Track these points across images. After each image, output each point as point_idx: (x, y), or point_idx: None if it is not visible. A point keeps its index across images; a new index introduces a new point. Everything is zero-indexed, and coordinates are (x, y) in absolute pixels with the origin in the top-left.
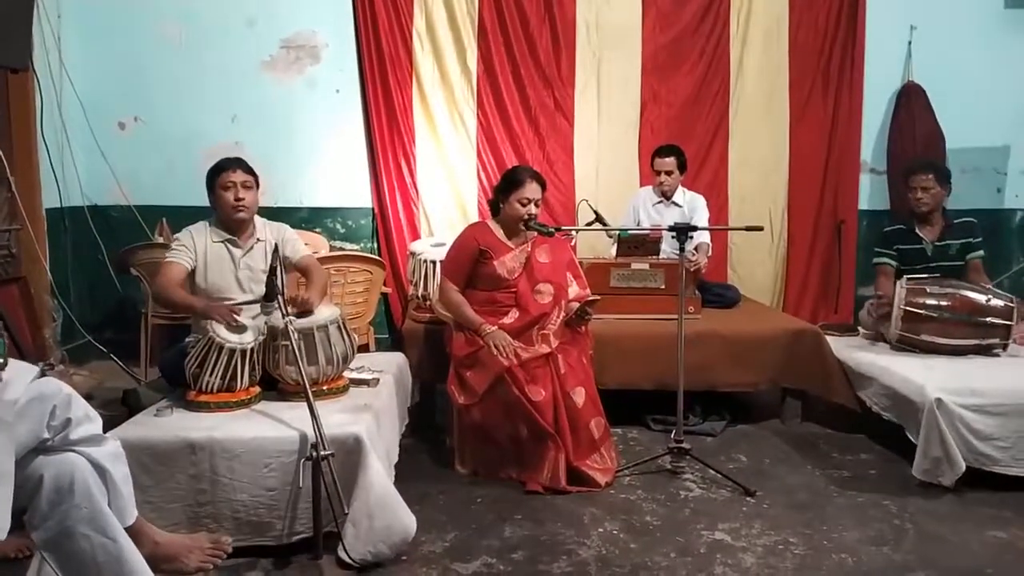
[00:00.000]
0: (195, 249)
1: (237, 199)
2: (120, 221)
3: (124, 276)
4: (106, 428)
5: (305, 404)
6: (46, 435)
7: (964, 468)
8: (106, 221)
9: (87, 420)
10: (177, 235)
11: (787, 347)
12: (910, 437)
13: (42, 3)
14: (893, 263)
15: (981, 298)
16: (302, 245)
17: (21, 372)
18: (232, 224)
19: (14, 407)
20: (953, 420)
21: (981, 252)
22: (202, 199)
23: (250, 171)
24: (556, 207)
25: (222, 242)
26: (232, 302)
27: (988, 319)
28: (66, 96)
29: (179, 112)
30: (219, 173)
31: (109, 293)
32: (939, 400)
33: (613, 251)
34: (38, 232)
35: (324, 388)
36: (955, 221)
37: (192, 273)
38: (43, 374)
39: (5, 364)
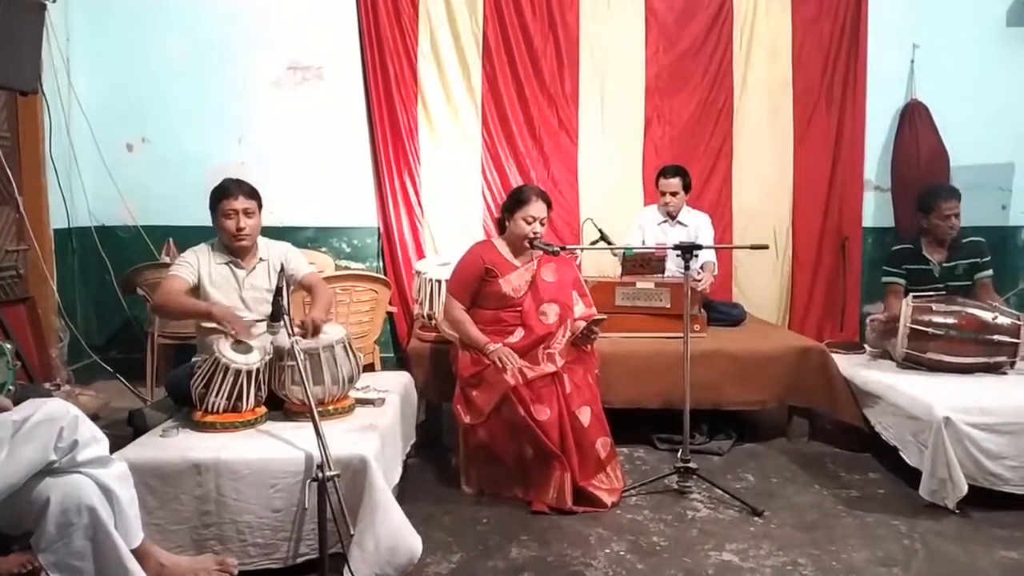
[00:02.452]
0: (199, 268)
1: (239, 228)
2: (127, 241)
3: (130, 296)
4: (112, 448)
5: (311, 424)
6: (53, 457)
7: (966, 490)
8: (113, 241)
9: (94, 442)
10: (182, 253)
11: (793, 365)
12: (906, 459)
13: (51, 26)
14: (902, 282)
15: (988, 316)
16: (306, 263)
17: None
18: (234, 248)
19: (18, 432)
20: (962, 439)
21: (990, 271)
22: (208, 219)
23: (252, 195)
24: (561, 226)
25: (225, 264)
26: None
27: (995, 337)
28: (74, 118)
29: (186, 133)
30: (221, 199)
31: (115, 313)
32: (947, 419)
33: (619, 270)
34: (45, 252)
35: (330, 408)
36: (963, 241)
37: (195, 293)
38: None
39: (16, 391)
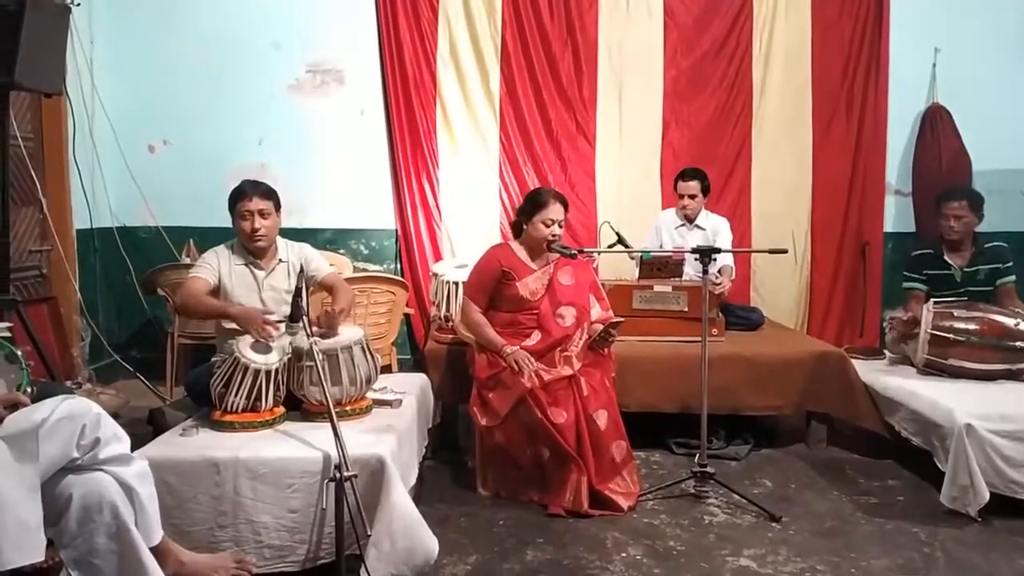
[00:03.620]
0: (219, 269)
1: (254, 229)
2: (148, 242)
3: (151, 296)
4: (132, 447)
5: (329, 425)
6: (75, 454)
7: (988, 497)
8: (134, 242)
9: (115, 440)
10: (203, 255)
11: (812, 370)
12: (938, 464)
13: (75, 29)
14: (923, 287)
15: (1010, 322)
16: (326, 263)
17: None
18: (252, 249)
19: (42, 428)
20: (983, 446)
21: (1012, 277)
22: (229, 220)
23: (268, 195)
24: (578, 229)
25: (245, 264)
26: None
27: (1018, 343)
28: (97, 120)
29: (207, 135)
30: (237, 200)
31: (136, 313)
32: (969, 426)
33: (636, 273)
34: (68, 253)
35: (347, 409)
36: (985, 246)
37: (216, 294)
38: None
39: (35, 391)
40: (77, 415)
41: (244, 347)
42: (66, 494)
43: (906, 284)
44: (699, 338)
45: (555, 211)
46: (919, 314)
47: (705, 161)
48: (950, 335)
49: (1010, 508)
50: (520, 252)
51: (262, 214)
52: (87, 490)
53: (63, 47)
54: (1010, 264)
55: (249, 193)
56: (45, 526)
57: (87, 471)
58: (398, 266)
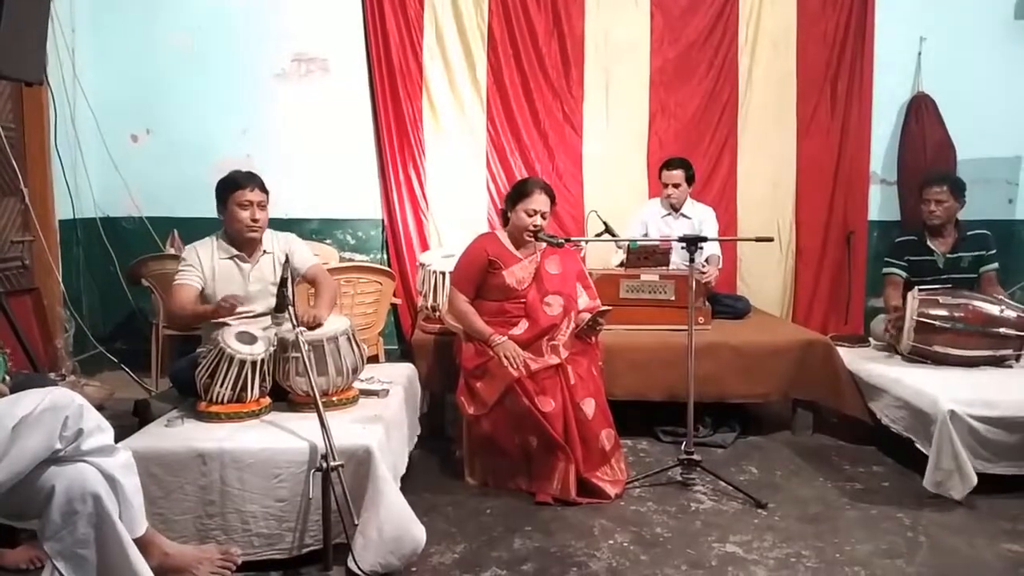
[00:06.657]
0: (202, 267)
1: (254, 219)
2: (132, 233)
3: (135, 287)
4: (117, 438)
5: (315, 415)
6: (58, 446)
7: (976, 481)
8: (118, 233)
9: (99, 431)
10: (183, 254)
11: (798, 358)
12: (921, 449)
13: (57, 17)
14: (902, 274)
15: (994, 309)
16: (310, 255)
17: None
18: (242, 240)
19: (25, 417)
20: (966, 432)
21: (995, 264)
22: (213, 211)
23: (264, 189)
24: (565, 218)
25: (230, 258)
26: (244, 315)
27: (1001, 330)
28: (79, 109)
29: (191, 125)
30: (235, 189)
31: (120, 304)
32: (952, 412)
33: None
34: (51, 244)
35: (334, 399)
36: (968, 233)
37: (202, 290)
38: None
39: (12, 382)
40: (59, 406)
41: (229, 338)
42: (49, 486)
43: (885, 270)
44: (686, 327)
45: (539, 201)
46: (893, 300)
47: (691, 151)
48: (936, 322)
49: (992, 492)
50: (506, 241)
51: (260, 205)
52: (70, 482)
53: (44, 36)
54: (993, 251)
55: (248, 183)
56: (28, 518)
57: (70, 463)
58: (385, 256)
